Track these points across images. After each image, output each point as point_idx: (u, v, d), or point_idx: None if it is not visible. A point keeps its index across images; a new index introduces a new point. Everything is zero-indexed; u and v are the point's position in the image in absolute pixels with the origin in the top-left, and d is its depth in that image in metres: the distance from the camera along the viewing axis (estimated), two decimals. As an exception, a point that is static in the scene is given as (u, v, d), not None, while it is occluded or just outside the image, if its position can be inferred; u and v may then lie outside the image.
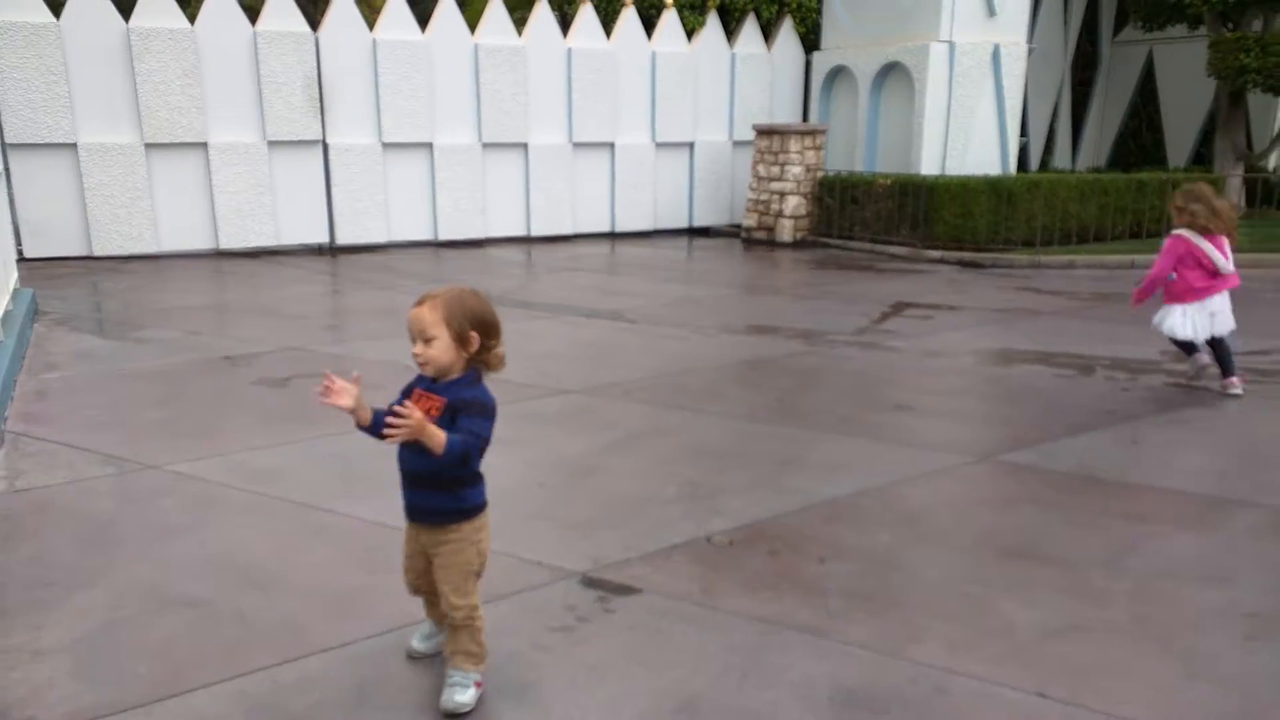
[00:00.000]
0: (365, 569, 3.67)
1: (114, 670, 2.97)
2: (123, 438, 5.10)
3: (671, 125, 14.52)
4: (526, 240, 13.77)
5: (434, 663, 3.03)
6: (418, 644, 3.09)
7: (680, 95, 14.47)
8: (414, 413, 2.54)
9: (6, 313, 6.92)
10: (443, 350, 2.71)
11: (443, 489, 2.78)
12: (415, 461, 2.72)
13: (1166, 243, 6.00)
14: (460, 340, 2.71)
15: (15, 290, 7.84)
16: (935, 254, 11.82)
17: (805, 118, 15.21)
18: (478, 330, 2.71)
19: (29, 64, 10.75)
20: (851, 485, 4.53)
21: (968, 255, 11.61)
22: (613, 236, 14.41)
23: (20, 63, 10.71)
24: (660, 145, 14.55)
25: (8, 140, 10.57)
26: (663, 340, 7.55)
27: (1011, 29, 13.29)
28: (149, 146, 11.41)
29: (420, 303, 2.73)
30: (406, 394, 2.83)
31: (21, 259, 9.81)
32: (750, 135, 14.44)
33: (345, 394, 2.70)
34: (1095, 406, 5.80)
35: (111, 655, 3.05)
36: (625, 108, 14.14)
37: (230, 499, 4.32)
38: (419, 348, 2.72)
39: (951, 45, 12.84)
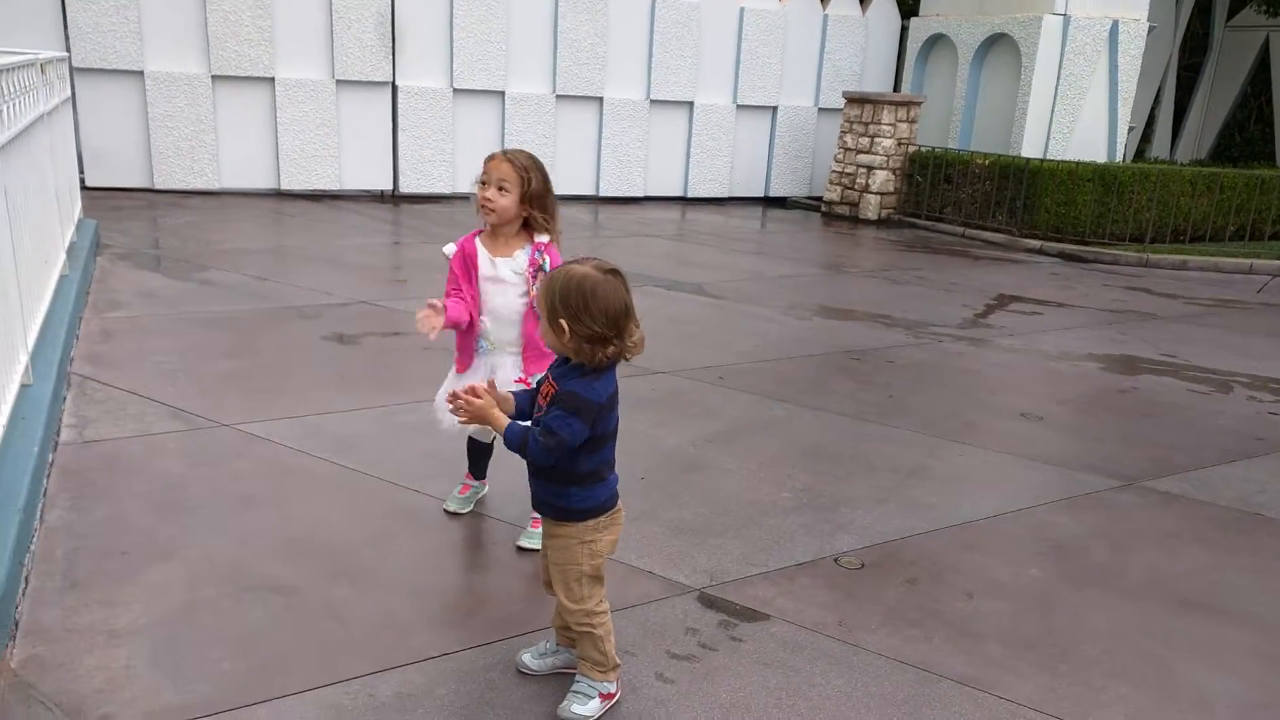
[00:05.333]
0: (462, 565, 3.36)
1: (196, 663, 2.67)
2: (191, 390, 4.78)
3: (755, 87, 13.88)
4: (594, 200, 13.30)
5: (548, 683, 2.69)
6: (530, 660, 2.74)
7: (766, 56, 13.82)
8: (482, 396, 2.38)
9: (71, 244, 6.62)
10: (544, 332, 2.41)
11: (549, 481, 2.47)
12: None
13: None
14: (551, 328, 2.35)
15: (79, 221, 7.54)
16: (1034, 243, 11.16)
17: (897, 87, 14.47)
18: (567, 317, 2.31)
19: (100, -15, 10.40)
20: (987, 505, 4.09)
21: (1069, 247, 10.95)
22: (684, 201, 13.88)
23: (92, -17, 10.37)
24: (741, 108, 13.92)
25: (75, 64, 10.25)
26: (752, 320, 7.09)
27: (1133, 4, 12.44)
28: (216, 79, 11.05)
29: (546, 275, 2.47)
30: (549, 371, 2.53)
31: (83, 188, 9.52)
32: (838, 103, 13.78)
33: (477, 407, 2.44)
34: (1243, 431, 5.29)
35: (192, 644, 2.75)
36: (708, 66, 13.53)
37: (309, 469, 3.99)
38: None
39: (1066, 18, 12.06)
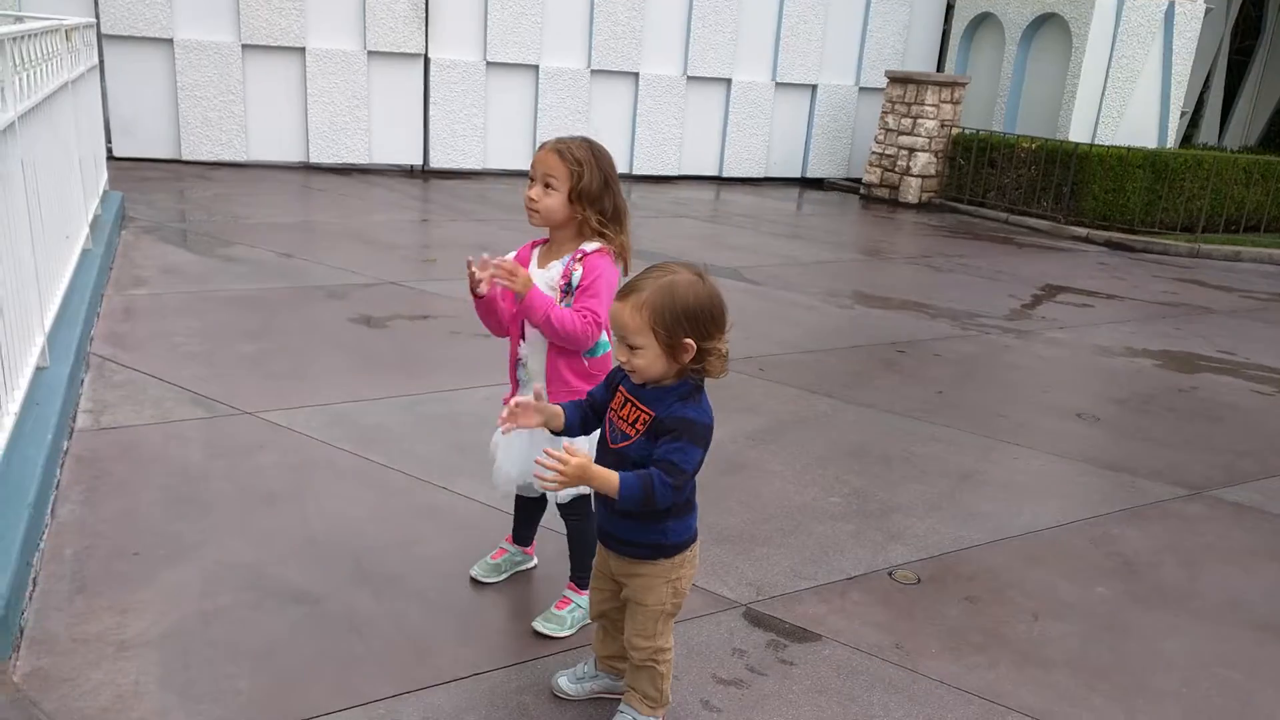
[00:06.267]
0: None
1: (209, 680, 2.49)
2: (214, 373, 4.62)
3: (795, 65, 13.52)
4: (627, 178, 13.03)
5: (585, 709, 2.50)
6: (567, 684, 2.54)
7: (807, 32, 13.44)
8: (570, 459, 1.98)
9: (95, 217, 6.46)
10: (652, 361, 2.11)
11: (642, 519, 2.21)
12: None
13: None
14: (671, 351, 2.09)
15: (104, 193, 7.39)
16: (1080, 231, 10.80)
17: (940, 67, 14.05)
18: (695, 334, 2.08)
19: (130, -49, 10.21)
20: (1048, 514, 3.86)
21: (1117, 236, 10.57)
22: (719, 181, 13.57)
23: (122, -51, 10.18)
24: (780, 86, 13.58)
25: (104, 31, 10.09)
26: (792, 308, 6.84)
27: (1190, -15, 11.99)
28: (246, 48, 10.86)
29: (622, 296, 2.11)
30: (611, 387, 2.25)
31: (110, 158, 9.39)
32: (879, 82, 13.41)
33: (528, 413, 2.17)
34: (1312, 436, 5.01)
35: (206, 658, 2.57)
36: (746, 41, 13.17)
37: (333, 462, 3.81)
38: (622, 353, 2.11)
39: (1120, -1, 11.64)
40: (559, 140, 2.60)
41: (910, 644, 2.91)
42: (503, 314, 2.71)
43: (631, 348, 2.09)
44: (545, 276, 2.61)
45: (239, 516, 3.33)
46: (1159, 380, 5.80)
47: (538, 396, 2.15)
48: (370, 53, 11.34)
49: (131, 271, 6.26)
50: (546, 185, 2.56)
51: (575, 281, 2.56)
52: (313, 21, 11.06)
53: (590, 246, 2.59)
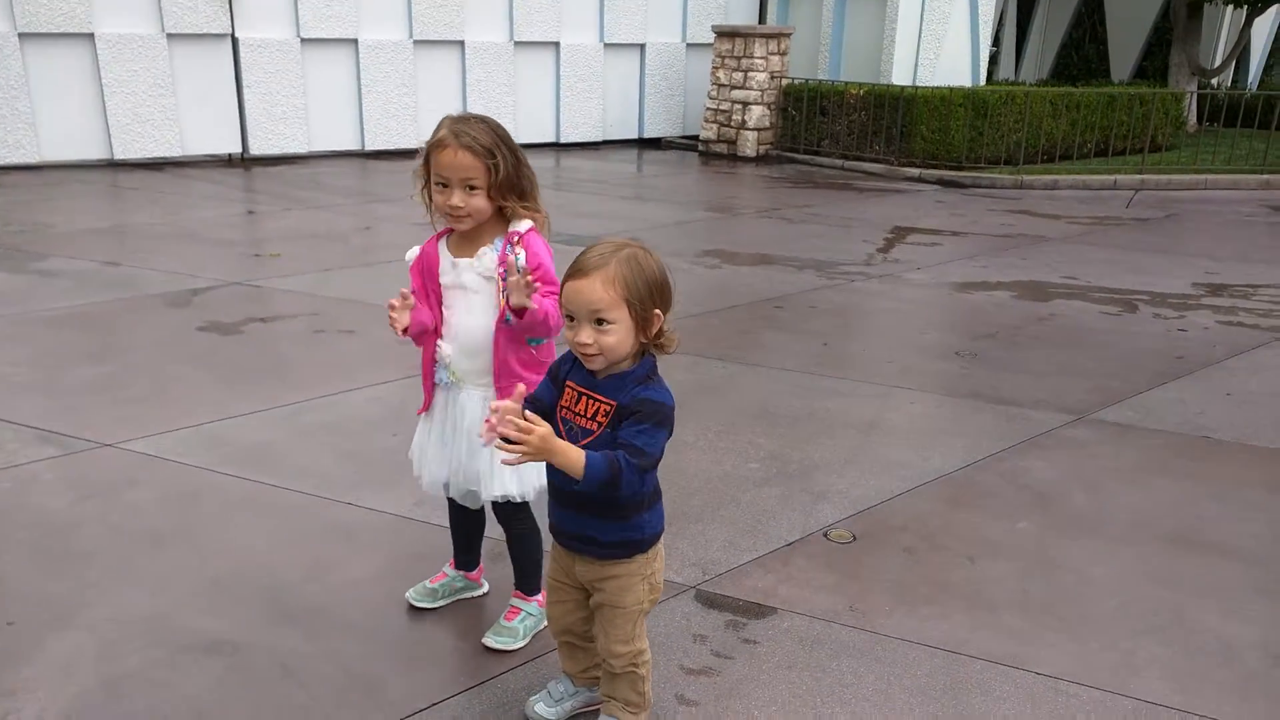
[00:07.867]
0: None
1: None
2: (58, 405, 4.15)
3: (620, 24, 13.37)
4: (461, 150, 12.61)
5: None
6: (546, 710, 2.38)
7: (630, -11, 13.34)
8: (534, 429, 1.84)
9: (-122, 240, 5.69)
10: (623, 337, 1.99)
11: (615, 518, 2.08)
12: (568, 477, 1.96)
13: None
14: (643, 323, 1.99)
15: (-118, 210, 6.53)
16: (913, 171, 11.19)
17: (761, 19, 14.20)
18: (662, 305, 2.01)
19: (-128, -68, 9.00)
20: (956, 456, 3.95)
21: (947, 174, 11.02)
22: (558, 147, 13.34)
23: None
24: (609, 46, 13.40)
25: None
26: (662, 271, 6.77)
27: (989, -72, 12.53)
28: (24, 36, 9.80)
29: (583, 273, 1.95)
30: (558, 384, 2.12)
31: (-120, 169, 8.33)
32: (705, 37, 13.43)
33: (508, 423, 1.90)
34: (1162, 350, 5.35)
35: None
36: (570, 4, 12.91)
37: (219, 490, 3.48)
38: (587, 334, 1.96)
39: (926, -56, 12.05)
40: (457, 134, 2.30)
41: (863, 604, 2.91)
42: (430, 324, 2.48)
43: (602, 324, 1.95)
44: (477, 266, 2.41)
45: (125, 564, 2.98)
46: (1019, 311, 6.07)
47: (520, 398, 1.95)
48: (170, 35, 10.45)
49: (-68, 298, 5.55)
50: (470, 188, 2.33)
51: (520, 263, 2.32)
52: (100, 4, 10.08)
53: (522, 226, 2.40)
